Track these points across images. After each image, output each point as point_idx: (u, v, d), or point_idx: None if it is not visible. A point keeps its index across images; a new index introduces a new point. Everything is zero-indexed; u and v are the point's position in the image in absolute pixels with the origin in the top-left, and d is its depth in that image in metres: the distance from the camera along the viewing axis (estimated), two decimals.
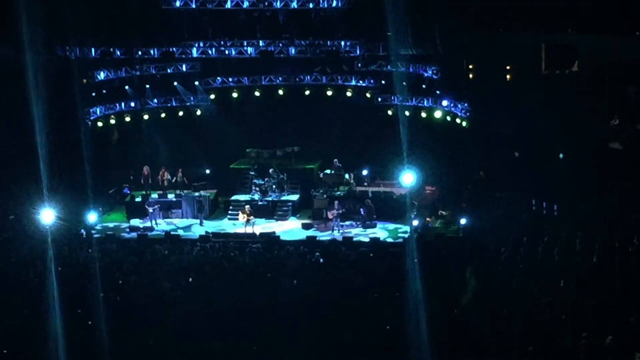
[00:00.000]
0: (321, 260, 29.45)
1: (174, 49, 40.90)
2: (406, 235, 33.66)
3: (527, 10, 34.55)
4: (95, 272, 27.97)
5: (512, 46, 36.17)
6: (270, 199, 38.23)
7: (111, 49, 39.76)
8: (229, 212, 37.94)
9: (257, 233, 34.65)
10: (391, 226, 35.73)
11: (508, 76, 38.06)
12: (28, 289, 26.39)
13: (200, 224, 37.04)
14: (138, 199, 38.40)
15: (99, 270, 28.09)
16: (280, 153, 40.26)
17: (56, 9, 36.12)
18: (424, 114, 39.85)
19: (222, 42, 41.41)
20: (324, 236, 34.53)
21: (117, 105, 41.12)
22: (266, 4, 40.14)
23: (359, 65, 41.60)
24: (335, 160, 39.31)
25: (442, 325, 22.21)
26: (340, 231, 35.17)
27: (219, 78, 43.15)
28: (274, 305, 24.16)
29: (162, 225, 36.83)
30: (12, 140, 35.70)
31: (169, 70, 42.21)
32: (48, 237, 33.14)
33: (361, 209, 35.99)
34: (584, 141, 32.72)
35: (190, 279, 26.98)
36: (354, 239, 33.73)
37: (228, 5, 40.24)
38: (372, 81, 42.00)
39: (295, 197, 38.74)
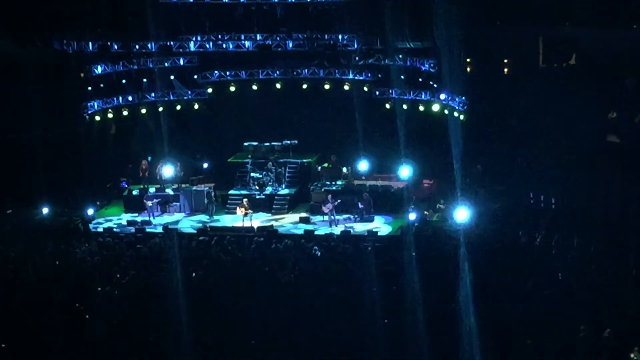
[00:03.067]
0: (318, 253, 29.46)
1: (172, 42, 40.89)
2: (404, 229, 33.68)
3: (525, 3, 34.56)
4: (92, 266, 28.01)
5: (509, 39, 36.17)
6: (267, 192, 38.23)
7: (109, 43, 39.74)
8: (227, 205, 37.90)
9: (255, 227, 34.65)
10: (391, 221, 35.72)
11: (506, 69, 38.08)
12: (26, 283, 26.37)
13: (210, 216, 37.09)
14: (136, 193, 38.40)
15: (96, 264, 28.14)
16: (278, 147, 40.20)
17: (54, 2, 36.11)
18: (421, 108, 39.83)
19: (219, 36, 41.41)
20: (321, 230, 34.58)
21: (115, 99, 41.06)
22: None
23: (357, 58, 41.58)
24: (334, 155, 39.35)
25: (439, 318, 22.22)
26: (336, 223, 35.19)
27: (216, 72, 43.08)
28: (272, 299, 24.17)
29: (160, 219, 36.83)
30: (9, 134, 35.69)
31: (166, 64, 42.14)
32: (46, 231, 33.35)
33: (359, 203, 35.99)
34: (581, 134, 32.72)
35: (194, 274, 26.96)
36: (352, 233, 33.74)
37: None
38: (369, 75, 41.97)
39: (292, 190, 38.73)
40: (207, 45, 41.50)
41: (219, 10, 40.84)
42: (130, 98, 41.59)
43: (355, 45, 40.88)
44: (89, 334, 22.29)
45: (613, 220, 28.81)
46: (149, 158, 39.83)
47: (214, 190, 38.81)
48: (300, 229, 34.65)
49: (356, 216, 35.98)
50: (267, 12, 40.81)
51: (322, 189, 37.78)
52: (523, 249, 27.75)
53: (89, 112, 39.55)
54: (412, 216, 33.56)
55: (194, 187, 38.54)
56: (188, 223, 36.39)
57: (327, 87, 42.46)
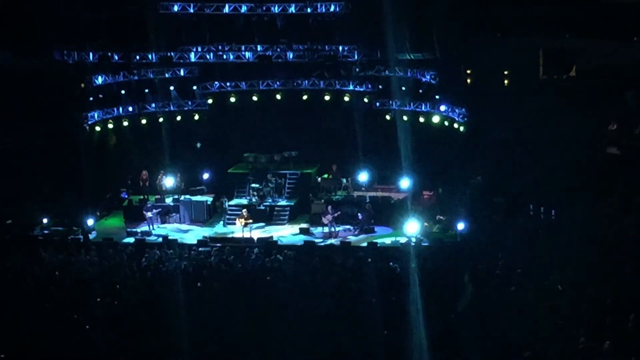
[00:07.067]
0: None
1: (172, 53, 40.97)
2: (404, 241, 33.67)
3: (525, 15, 34.64)
4: (92, 276, 27.97)
5: (510, 51, 36.24)
6: (267, 203, 38.22)
7: (109, 54, 39.81)
8: (227, 217, 37.84)
9: (255, 237, 34.64)
10: (390, 234, 35.67)
11: (506, 81, 38.12)
12: (25, 293, 26.33)
13: (224, 225, 37.21)
14: (136, 204, 38.39)
15: (96, 275, 28.10)
16: (278, 158, 40.25)
17: (54, 13, 36.19)
18: (421, 119, 39.85)
19: (220, 47, 41.54)
20: (321, 241, 34.60)
21: (115, 109, 41.09)
22: (264, 8, 40.33)
23: (357, 70, 41.65)
24: (334, 165, 39.39)
25: (439, 330, 22.18)
26: (336, 234, 35.22)
27: (216, 83, 43.14)
28: (272, 310, 24.14)
29: (160, 229, 36.79)
30: (9, 144, 35.73)
31: (167, 75, 42.17)
32: (45, 242, 33.35)
33: (359, 214, 35.96)
34: (581, 146, 32.74)
35: (194, 285, 26.95)
36: (352, 244, 33.71)
37: (226, 10, 40.48)
38: (369, 86, 42.03)
39: (292, 202, 38.72)
40: (208, 56, 41.62)
41: (219, 21, 40.96)
42: (130, 109, 41.62)
43: (356, 57, 41.00)
44: (88, 345, 22.25)
45: (613, 232, 28.75)
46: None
47: (223, 200, 38.61)
48: (300, 240, 34.63)
49: (356, 227, 35.94)
50: (268, 23, 40.94)
51: (322, 200, 37.75)
52: (522, 260, 27.66)
53: (89, 122, 39.56)
54: (412, 228, 33.56)
55: (193, 198, 38.56)
56: (198, 233, 36.38)
57: (327, 98, 42.52)
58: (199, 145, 42.30)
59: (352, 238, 34.94)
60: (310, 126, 41.83)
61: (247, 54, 41.48)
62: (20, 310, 24.41)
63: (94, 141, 39.97)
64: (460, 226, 33.36)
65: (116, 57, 40.18)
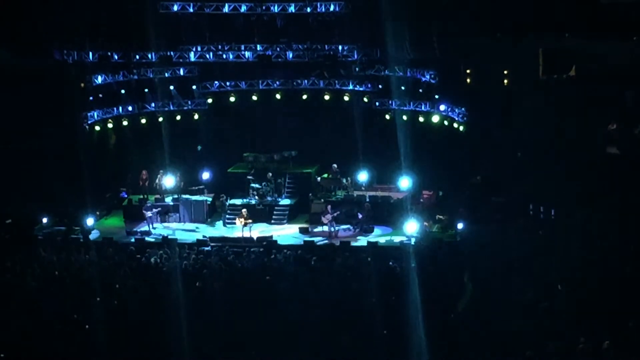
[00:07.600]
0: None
1: (172, 53, 40.95)
2: (404, 240, 33.68)
3: (525, 15, 34.63)
4: (92, 276, 27.98)
5: (509, 51, 36.21)
6: (267, 202, 38.20)
7: (109, 53, 39.80)
8: (227, 216, 37.83)
9: (255, 237, 34.64)
10: (390, 233, 35.67)
11: (505, 81, 38.08)
12: (25, 293, 26.36)
13: (224, 224, 37.30)
14: (136, 203, 38.37)
15: (96, 275, 28.11)
16: (278, 157, 40.19)
17: (54, 12, 36.20)
18: (421, 119, 39.81)
19: (219, 46, 41.50)
20: (321, 240, 34.60)
21: (115, 109, 41.06)
22: (264, 8, 40.29)
23: (357, 69, 41.61)
24: (334, 165, 39.36)
25: (439, 329, 22.20)
26: (336, 233, 35.23)
27: (216, 82, 43.08)
28: (272, 309, 24.16)
29: (160, 229, 36.78)
30: (9, 144, 35.73)
31: (166, 75, 42.13)
32: (45, 241, 33.37)
33: (359, 213, 35.97)
34: (581, 146, 32.74)
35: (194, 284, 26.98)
36: (351, 244, 33.71)
37: (226, 9, 40.44)
38: (369, 85, 41.99)
39: (292, 201, 38.71)
40: (207, 56, 41.59)
41: (219, 21, 40.94)
42: (130, 108, 41.58)
43: (355, 56, 40.95)
44: (88, 344, 22.27)
45: (612, 232, 28.78)
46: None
47: (223, 198, 38.55)
48: (300, 240, 34.63)
49: (356, 227, 35.94)
50: (268, 23, 40.91)
51: (322, 200, 37.73)
52: (522, 260, 27.68)
53: (89, 122, 39.54)
54: (412, 227, 33.58)
55: (194, 197, 38.57)
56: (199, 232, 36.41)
57: (327, 97, 42.44)
58: (199, 148, 42.25)
59: (353, 238, 34.92)
60: (310, 126, 41.77)
61: (247, 54, 41.46)
62: (20, 310, 24.45)
63: (93, 141, 39.95)
64: (460, 226, 33.39)
65: (116, 57, 40.13)
